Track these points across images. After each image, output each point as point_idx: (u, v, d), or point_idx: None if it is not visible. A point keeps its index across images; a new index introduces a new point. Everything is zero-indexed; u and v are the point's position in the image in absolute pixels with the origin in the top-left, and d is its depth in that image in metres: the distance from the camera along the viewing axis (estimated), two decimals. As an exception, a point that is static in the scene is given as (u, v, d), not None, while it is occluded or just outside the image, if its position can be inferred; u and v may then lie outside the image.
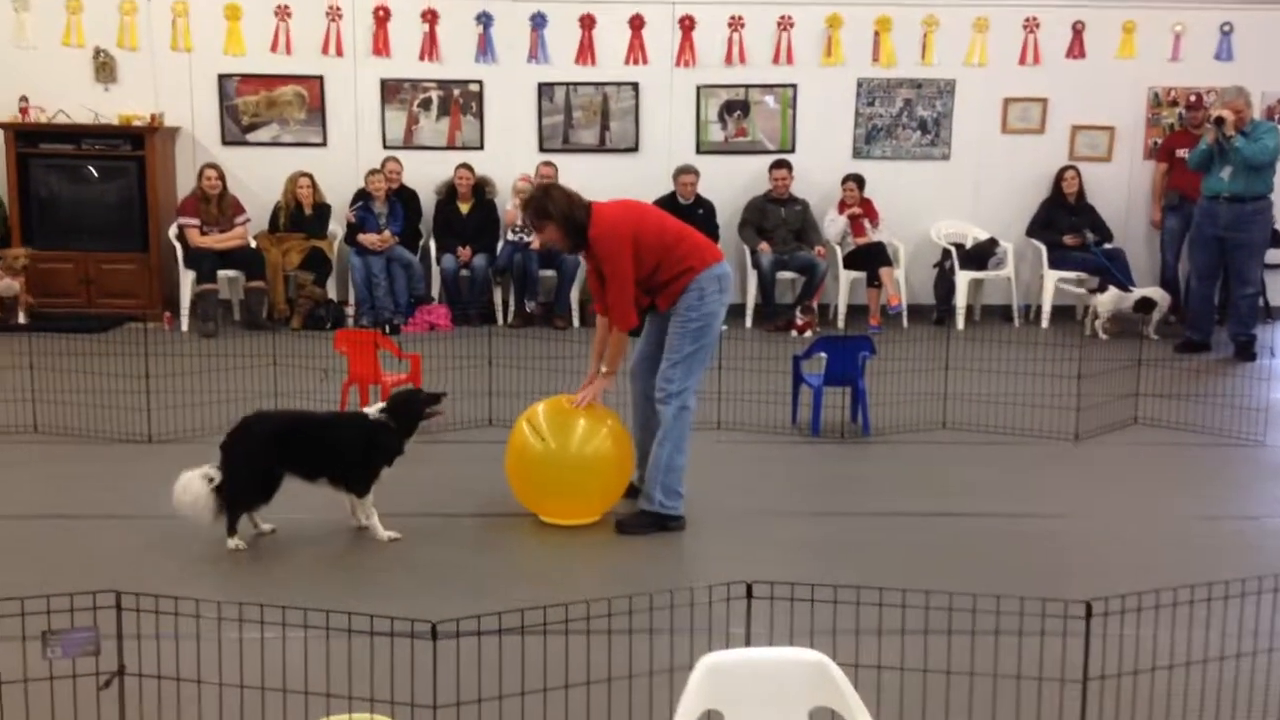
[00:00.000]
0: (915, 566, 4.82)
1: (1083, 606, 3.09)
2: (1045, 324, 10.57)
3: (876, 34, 10.89)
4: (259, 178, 10.57)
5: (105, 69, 10.51)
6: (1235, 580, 3.38)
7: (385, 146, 10.80)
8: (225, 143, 10.74)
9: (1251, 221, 9.06)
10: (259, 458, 4.92)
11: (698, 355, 5.26)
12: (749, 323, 10.54)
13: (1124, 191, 11.14)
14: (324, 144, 10.81)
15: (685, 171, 10.51)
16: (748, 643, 3.11)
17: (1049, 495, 5.93)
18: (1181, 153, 10.28)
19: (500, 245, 10.53)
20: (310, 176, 10.41)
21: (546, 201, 5.26)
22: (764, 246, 10.44)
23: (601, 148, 10.95)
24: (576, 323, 10.40)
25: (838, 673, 2.70)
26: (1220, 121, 8.87)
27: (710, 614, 3.53)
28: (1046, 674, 3.42)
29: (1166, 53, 10.96)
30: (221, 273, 10.15)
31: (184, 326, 10.01)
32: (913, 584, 3.43)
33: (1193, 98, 10.81)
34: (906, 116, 11.01)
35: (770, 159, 10.76)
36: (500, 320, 10.45)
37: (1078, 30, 10.91)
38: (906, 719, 3.46)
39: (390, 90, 10.78)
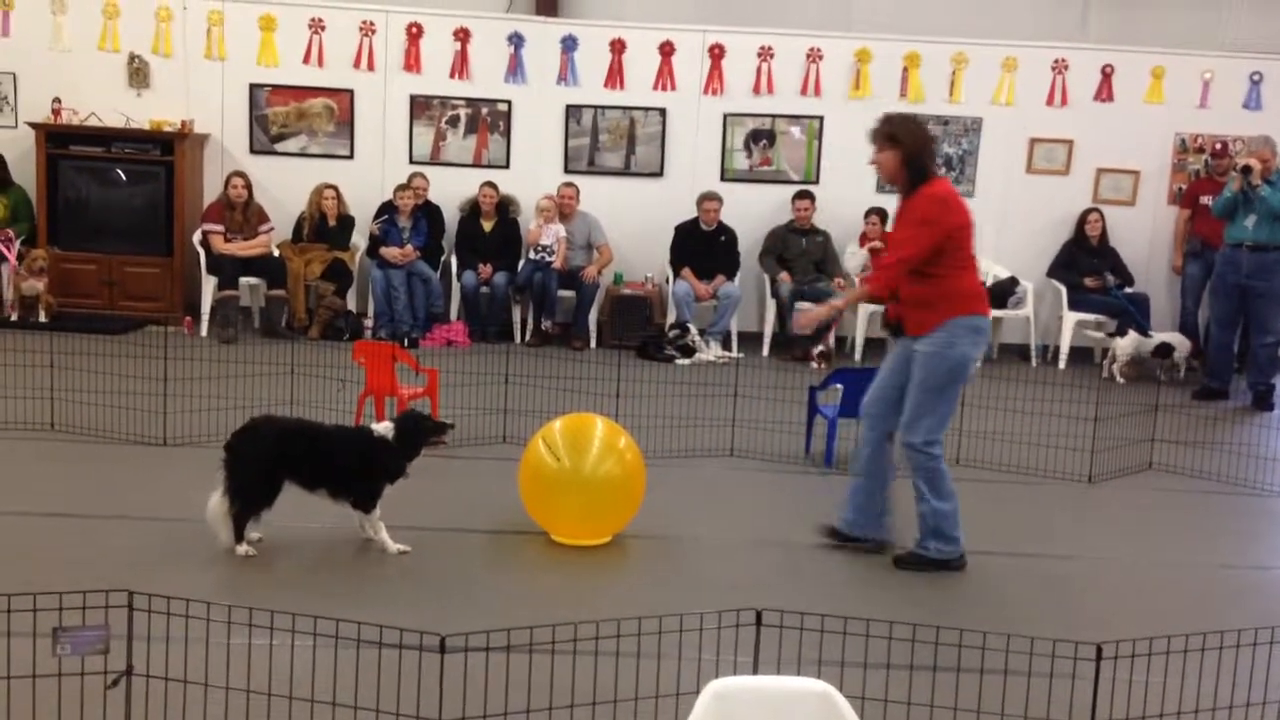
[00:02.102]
0: (925, 602, 4.81)
1: (1093, 649, 3.07)
2: (1063, 365, 10.54)
3: (905, 69, 10.92)
4: (285, 187, 10.65)
5: (139, 74, 10.61)
6: (1247, 629, 3.36)
7: (412, 161, 10.86)
8: (253, 151, 10.82)
9: (1274, 271, 9.02)
10: (263, 459, 4.93)
11: (946, 404, 5.13)
12: (765, 351, 10.54)
13: (1147, 236, 11.12)
14: (351, 156, 10.88)
15: (709, 198, 10.54)
16: (755, 671, 3.11)
17: (1061, 536, 5.90)
18: (1206, 199, 10.26)
19: (521, 264, 10.56)
20: (335, 188, 10.47)
21: (911, 126, 5.15)
22: (784, 276, 10.44)
23: (626, 171, 10.99)
24: (594, 344, 10.43)
25: (844, 704, 2.69)
26: (1247, 170, 8.86)
27: (719, 640, 3.52)
28: (1054, 715, 3.40)
29: (1195, 99, 10.96)
30: (243, 280, 10.22)
31: (204, 332, 10.06)
32: (922, 619, 3.42)
33: (1219, 145, 10.79)
34: (932, 152, 11.01)
35: (794, 189, 10.78)
36: (518, 338, 10.48)
37: (1106, 74, 10.92)
38: (911, 755, 3.44)
39: (419, 106, 10.86)
